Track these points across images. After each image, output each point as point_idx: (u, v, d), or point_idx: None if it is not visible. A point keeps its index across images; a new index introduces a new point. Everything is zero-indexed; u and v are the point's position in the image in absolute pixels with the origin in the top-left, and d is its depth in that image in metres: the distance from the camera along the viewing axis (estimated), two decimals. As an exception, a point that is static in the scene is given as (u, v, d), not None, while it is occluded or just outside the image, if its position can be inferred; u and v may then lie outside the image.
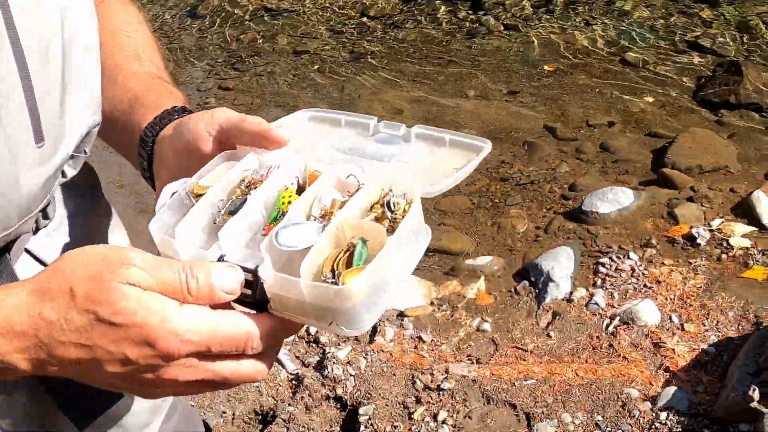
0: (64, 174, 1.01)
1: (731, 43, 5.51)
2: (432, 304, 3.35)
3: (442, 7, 6.43)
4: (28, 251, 1.03)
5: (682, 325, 3.08)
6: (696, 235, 3.56)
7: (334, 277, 0.80)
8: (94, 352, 0.75)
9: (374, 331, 3.14)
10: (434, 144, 0.99)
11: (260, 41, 6.27)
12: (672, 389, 2.77)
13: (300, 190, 0.91)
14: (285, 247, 0.82)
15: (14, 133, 0.87)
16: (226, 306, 0.79)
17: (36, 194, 0.93)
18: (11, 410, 1.06)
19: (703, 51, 5.46)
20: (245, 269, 0.79)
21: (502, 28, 6.05)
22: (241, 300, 0.80)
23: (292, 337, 3.12)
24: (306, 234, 0.83)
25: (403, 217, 0.86)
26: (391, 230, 0.84)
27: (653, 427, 2.65)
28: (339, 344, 3.07)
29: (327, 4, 6.70)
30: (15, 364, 0.77)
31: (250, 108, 5.20)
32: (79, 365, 0.77)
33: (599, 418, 2.72)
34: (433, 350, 3.07)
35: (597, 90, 5.12)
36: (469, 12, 6.33)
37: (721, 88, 4.86)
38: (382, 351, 3.03)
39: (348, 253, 0.82)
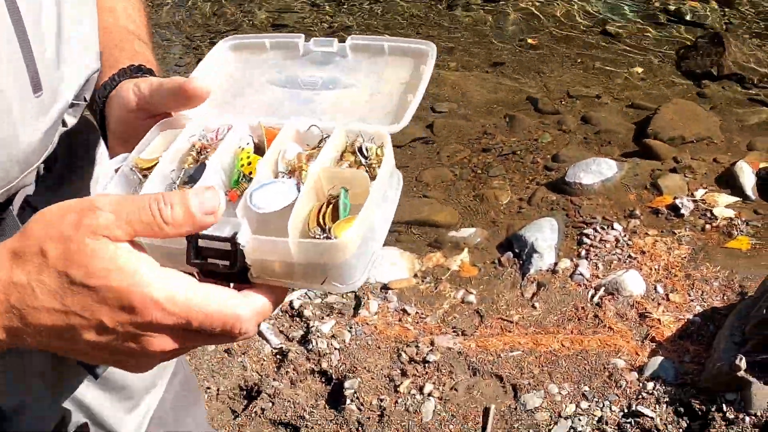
0: (64, 123, 0.96)
1: (712, 15, 5.49)
2: (416, 276, 3.32)
3: (422, -21, 6.36)
4: (30, 205, 0.97)
5: (667, 295, 3.07)
6: (680, 205, 3.55)
7: (323, 232, 0.75)
8: (69, 319, 0.70)
9: (358, 303, 3.10)
10: (373, 55, 0.94)
11: (238, 15, 6.17)
12: (658, 359, 2.76)
13: (257, 149, 0.86)
14: (263, 210, 0.77)
15: (10, 82, 0.82)
16: (213, 282, 0.74)
17: (37, 145, 0.89)
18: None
19: (685, 22, 5.44)
20: (220, 238, 0.74)
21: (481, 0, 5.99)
22: (217, 272, 0.74)
23: (274, 311, 3.07)
24: (281, 193, 0.79)
25: (378, 161, 0.82)
26: (370, 177, 0.81)
27: (640, 397, 2.64)
28: (323, 318, 3.03)
29: (304, -24, 6.61)
30: None
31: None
32: (55, 334, 0.71)
33: (586, 388, 2.71)
34: (417, 323, 3.04)
35: (578, 62, 5.09)
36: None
37: (704, 59, 4.84)
38: (367, 324, 2.99)
39: (330, 205, 0.78)
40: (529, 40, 5.36)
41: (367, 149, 0.84)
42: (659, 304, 3.03)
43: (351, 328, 2.97)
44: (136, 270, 0.69)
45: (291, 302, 3.10)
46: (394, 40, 0.92)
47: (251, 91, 0.94)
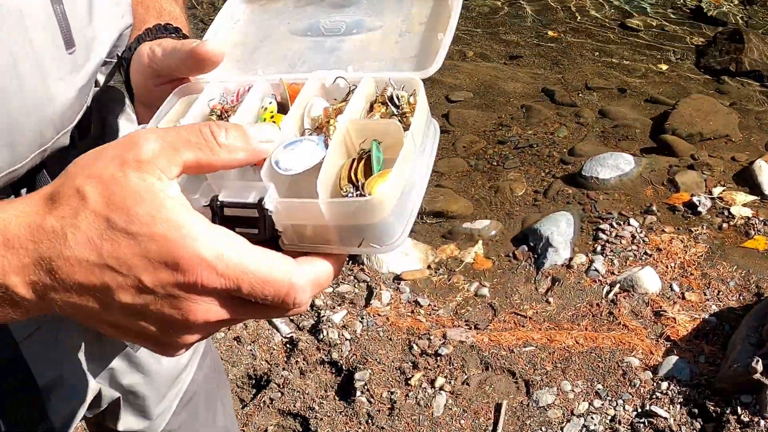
0: (97, 83, 0.92)
1: (732, 11, 5.42)
2: (429, 267, 3.28)
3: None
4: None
5: (683, 293, 3.03)
6: (697, 203, 3.50)
7: (357, 190, 0.70)
8: (103, 275, 0.61)
9: (370, 294, 3.07)
10: None
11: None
12: (673, 359, 2.73)
13: (280, 108, 0.81)
14: (290, 171, 0.70)
15: (42, 39, 0.78)
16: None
17: (71, 105, 0.84)
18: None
19: (704, 17, 5.37)
20: (247, 205, 0.68)
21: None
22: None
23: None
24: (308, 151, 0.72)
25: (411, 110, 0.77)
26: (403, 127, 0.75)
27: (654, 396, 2.60)
28: (334, 307, 3.00)
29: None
30: (12, 288, 0.63)
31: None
32: (87, 293, 0.63)
33: (599, 386, 2.67)
34: (430, 315, 3.01)
35: (597, 55, 5.03)
36: (467, -28, 6.20)
37: (723, 55, 4.78)
38: (378, 315, 2.96)
39: (362, 161, 0.73)
40: (550, 33, 5.30)
41: (398, 98, 0.78)
42: (675, 302, 2.99)
43: (362, 318, 2.94)
44: (185, 222, 0.61)
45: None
46: None
47: (270, 44, 0.87)
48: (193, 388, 1.29)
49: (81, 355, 1.03)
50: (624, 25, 5.35)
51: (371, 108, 0.79)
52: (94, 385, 1.07)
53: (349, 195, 0.69)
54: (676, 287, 3.06)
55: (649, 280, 3.06)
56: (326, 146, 0.73)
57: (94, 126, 0.98)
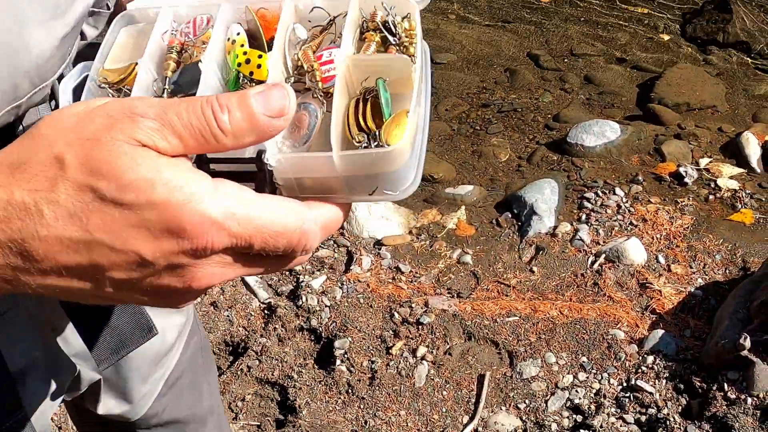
0: (83, 36, 0.79)
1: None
2: (410, 233, 3.20)
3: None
4: None
5: (668, 265, 2.98)
6: (683, 173, 3.44)
7: (370, 139, 0.63)
8: (92, 253, 0.53)
9: (350, 259, 2.98)
10: None
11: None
12: (659, 332, 2.68)
13: (251, 37, 0.70)
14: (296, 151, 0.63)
15: None
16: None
17: (50, 56, 0.72)
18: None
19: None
20: (243, 160, 0.60)
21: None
22: None
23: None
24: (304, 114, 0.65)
25: (409, 39, 0.68)
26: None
27: (640, 370, 2.55)
28: (314, 273, 2.90)
29: None
30: None
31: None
32: (72, 275, 0.54)
33: (584, 359, 2.62)
34: (411, 282, 2.93)
35: (582, 20, 4.93)
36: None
37: (709, 24, 4.70)
38: (359, 281, 2.88)
39: (367, 102, 0.65)
40: (544, 0, 5.17)
41: (394, 24, 0.69)
42: (660, 274, 2.94)
43: (342, 284, 2.85)
44: (186, 183, 0.53)
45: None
46: None
47: None
48: (179, 369, 1.20)
49: (58, 336, 0.93)
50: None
51: (362, 38, 0.70)
52: (72, 367, 0.97)
53: (363, 145, 0.63)
54: (661, 259, 3.00)
55: (635, 251, 3.00)
56: (318, 111, 0.65)
57: None
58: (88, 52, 0.84)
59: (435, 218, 3.29)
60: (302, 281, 2.84)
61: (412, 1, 0.70)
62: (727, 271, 2.96)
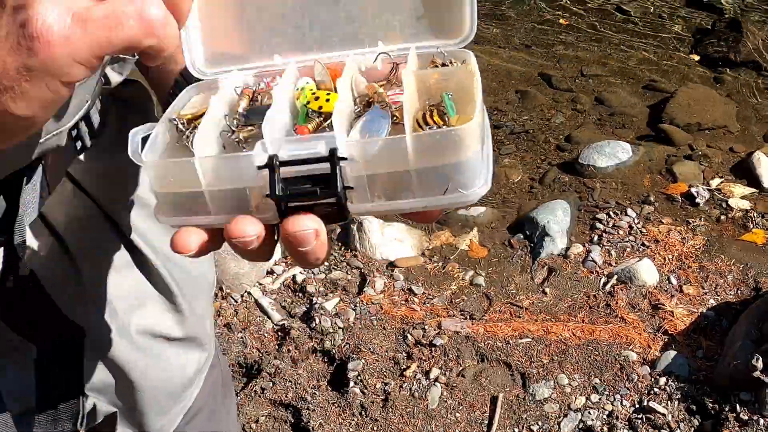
0: (107, 81, 0.81)
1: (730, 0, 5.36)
2: (423, 255, 3.22)
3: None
4: (72, 179, 0.83)
5: (680, 286, 2.99)
6: (695, 194, 3.46)
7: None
8: None
9: (363, 281, 3.00)
10: None
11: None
12: (671, 353, 2.68)
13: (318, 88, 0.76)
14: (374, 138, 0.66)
15: None
16: None
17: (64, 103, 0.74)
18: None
19: (702, 6, 5.30)
20: (313, 160, 0.61)
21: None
22: (309, 203, 0.62)
23: (277, 285, 2.98)
24: (373, 122, 0.69)
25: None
26: None
27: (652, 392, 2.56)
28: (327, 294, 2.93)
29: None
30: None
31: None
32: None
33: (596, 380, 2.63)
34: (424, 304, 2.95)
35: (593, 40, 4.96)
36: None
37: (720, 44, 4.72)
38: (372, 303, 2.90)
39: (433, 113, 0.69)
40: (562, 21, 5.19)
41: (451, 63, 0.77)
42: (672, 295, 2.95)
43: (355, 306, 2.87)
44: None
45: (294, 276, 3.00)
46: None
47: (259, 15, 0.78)
48: (198, 403, 1.21)
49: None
50: (621, 9, 5.27)
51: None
52: (86, 402, 1.00)
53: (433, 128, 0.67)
54: (673, 280, 3.01)
55: (647, 272, 3.01)
56: (388, 114, 0.70)
57: (108, 132, 0.88)
58: (119, 95, 0.85)
59: (448, 240, 3.31)
60: (315, 303, 2.86)
61: (468, 51, 0.77)
62: (739, 292, 2.96)
